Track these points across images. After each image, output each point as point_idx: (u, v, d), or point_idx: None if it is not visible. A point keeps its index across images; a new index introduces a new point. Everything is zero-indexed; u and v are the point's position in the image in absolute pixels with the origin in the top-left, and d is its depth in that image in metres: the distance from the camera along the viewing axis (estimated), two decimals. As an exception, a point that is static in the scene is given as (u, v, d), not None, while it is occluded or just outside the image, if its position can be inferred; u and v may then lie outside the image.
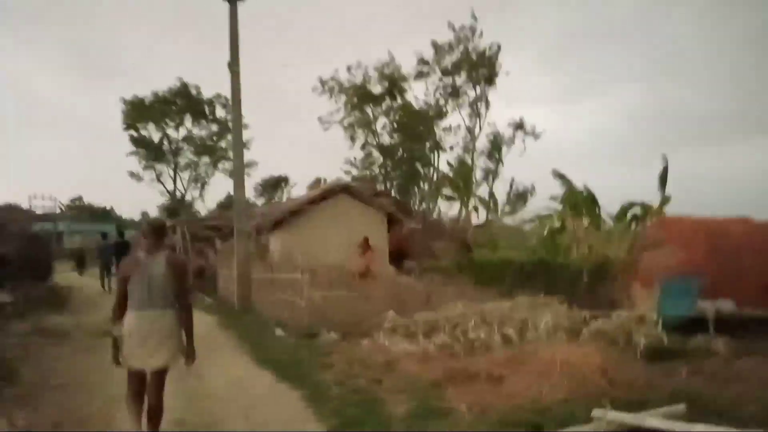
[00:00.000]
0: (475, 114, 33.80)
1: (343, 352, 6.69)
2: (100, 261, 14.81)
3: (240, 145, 11.17)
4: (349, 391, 4.98)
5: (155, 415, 3.55)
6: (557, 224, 15.53)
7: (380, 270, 13.12)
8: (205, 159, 35.22)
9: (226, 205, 40.95)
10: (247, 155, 36.91)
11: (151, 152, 33.82)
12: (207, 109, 33.89)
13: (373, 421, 4.19)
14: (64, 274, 20.32)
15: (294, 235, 15.22)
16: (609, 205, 15.42)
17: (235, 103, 10.74)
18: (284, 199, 35.82)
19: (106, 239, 15.40)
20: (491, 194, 30.09)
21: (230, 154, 35.60)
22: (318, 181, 39.73)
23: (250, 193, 56.09)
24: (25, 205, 45.62)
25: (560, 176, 16.37)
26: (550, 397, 4.30)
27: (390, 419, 4.20)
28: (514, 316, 7.32)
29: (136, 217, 56.78)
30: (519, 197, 32.28)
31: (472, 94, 33.53)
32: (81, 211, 52.55)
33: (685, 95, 61.40)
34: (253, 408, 4.74)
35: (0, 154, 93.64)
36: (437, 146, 34.16)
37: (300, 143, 68.01)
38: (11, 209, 48.62)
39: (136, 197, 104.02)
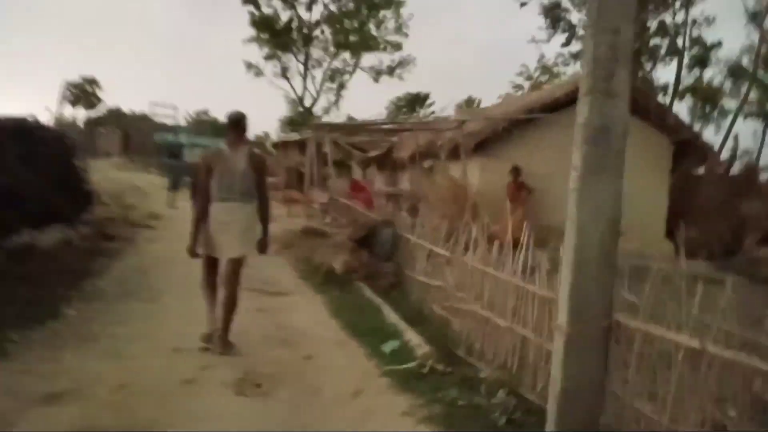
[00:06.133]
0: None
1: None
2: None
3: None
4: None
5: (230, 302, 3.78)
6: None
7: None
8: (346, 56, 27.12)
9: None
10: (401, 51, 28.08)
11: (276, 37, 25.51)
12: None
13: None
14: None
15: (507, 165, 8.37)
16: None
17: None
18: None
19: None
20: None
21: (385, 44, 26.98)
22: (470, 101, 30.78)
23: (379, 109, 48.22)
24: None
25: None
26: None
27: None
28: None
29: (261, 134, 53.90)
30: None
31: None
32: (204, 125, 50.57)
33: None
34: None
35: (127, 67, 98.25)
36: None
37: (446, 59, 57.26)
38: (139, 118, 47.97)
39: (264, 113, 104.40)
